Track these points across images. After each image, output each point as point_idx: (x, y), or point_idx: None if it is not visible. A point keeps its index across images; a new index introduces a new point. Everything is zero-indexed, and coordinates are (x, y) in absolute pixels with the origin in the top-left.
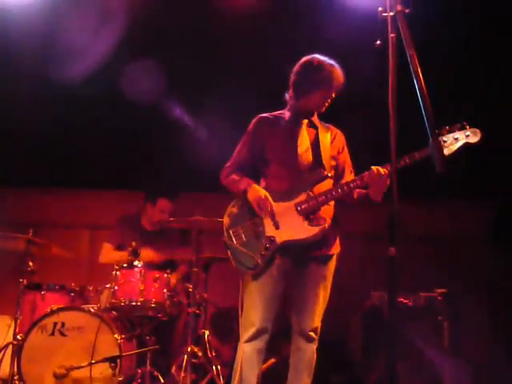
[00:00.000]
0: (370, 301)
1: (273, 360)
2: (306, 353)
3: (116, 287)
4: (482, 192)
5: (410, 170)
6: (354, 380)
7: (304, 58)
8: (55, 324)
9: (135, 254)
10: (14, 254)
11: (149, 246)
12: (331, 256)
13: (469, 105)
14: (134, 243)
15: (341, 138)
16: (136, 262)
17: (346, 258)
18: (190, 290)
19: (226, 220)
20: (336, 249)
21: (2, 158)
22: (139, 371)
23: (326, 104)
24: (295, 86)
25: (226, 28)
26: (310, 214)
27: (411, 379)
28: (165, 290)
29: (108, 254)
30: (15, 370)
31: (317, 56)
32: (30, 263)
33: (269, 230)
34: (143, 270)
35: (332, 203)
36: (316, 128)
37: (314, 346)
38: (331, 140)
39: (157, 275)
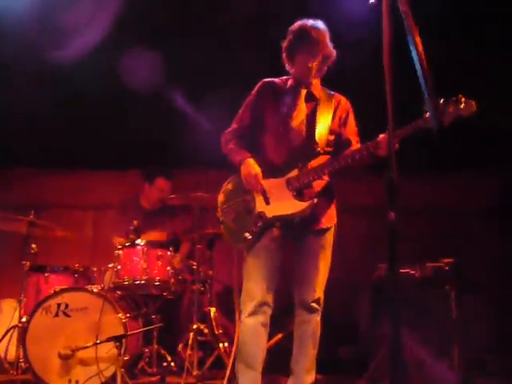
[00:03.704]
0: (377, 273)
1: (279, 336)
2: (310, 324)
3: (119, 266)
4: (488, 163)
5: (417, 142)
6: (363, 353)
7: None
8: (59, 305)
9: (137, 233)
10: (16, 236)
11: (151, 226)
12: (328, 228)
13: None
14: (135, 222)
15: (345, 106)
16: (138, 241)
17: (354, 231)
18: (195, 267)
19: (220, 197)
20: (331, 221)
21: (3, 140)
22: (146, 350)
23: (315, 68)
24: (284, 53)
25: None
26: (300, 190)
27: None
28: (168, 268)
29: None
30: (21, 352)
31: (301, 20)
32: (33, 245)
33: (259, 205)
34: (145, 249)
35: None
36: (315, 99)
37: (318, 317)
38: (334, 110)
39: (159, 253)
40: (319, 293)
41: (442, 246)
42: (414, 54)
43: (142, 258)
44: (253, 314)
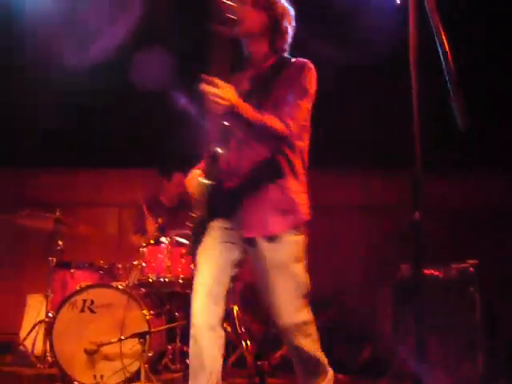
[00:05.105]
0: (399, 273)
1: (280, 352)
2: (295, 350)
3: (143, 264)
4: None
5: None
6: (384, 354)
7: None
8: (85, 301)
9: (161, 231)
10: (43, 233)
11: (174, 222)
12: (277, 237)
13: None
14: (160, 219)
15: (292, 70)
16: (163, 239)
17: (375, 231)
18: None
19: None
20: (278, 227)
21: (30, 138)
22: (169, 347)
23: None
24: None
25: None
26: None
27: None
28: (192, 266)
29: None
30: (47, 346)
31: None
32: (59, 242)
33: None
34: (169, 246)
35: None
36: (257, 78)
37: (303, 339)
38: (277, 80)
39: (183, 251)
40: (287, 318)
41: (462, 246)
42: (440, 52)
43: (166, 256)
44: None
